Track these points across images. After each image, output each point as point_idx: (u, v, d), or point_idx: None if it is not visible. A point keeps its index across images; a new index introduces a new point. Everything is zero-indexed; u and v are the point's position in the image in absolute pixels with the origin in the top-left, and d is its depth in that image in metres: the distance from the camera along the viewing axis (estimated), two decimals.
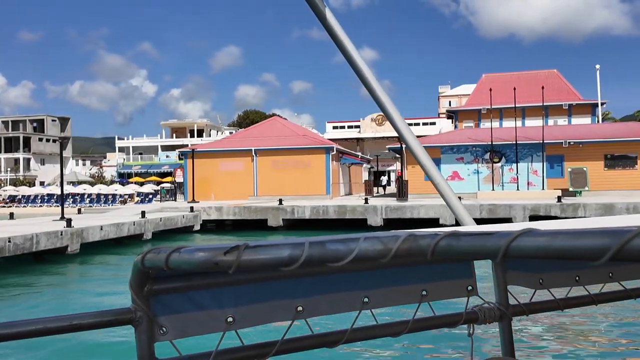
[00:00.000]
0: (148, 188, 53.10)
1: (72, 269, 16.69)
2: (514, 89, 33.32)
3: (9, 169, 74.81)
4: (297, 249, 0.77)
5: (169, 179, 59.74)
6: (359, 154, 49.61)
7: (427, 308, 1.42)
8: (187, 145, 43.05)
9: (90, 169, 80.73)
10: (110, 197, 50.63)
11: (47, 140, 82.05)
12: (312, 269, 1.22)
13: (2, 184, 63.97)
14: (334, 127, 77.53)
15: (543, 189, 30.39)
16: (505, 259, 0.62)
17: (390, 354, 7.48)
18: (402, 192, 30.09)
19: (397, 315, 1.51)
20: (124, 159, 75.33)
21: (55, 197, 49.86)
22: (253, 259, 0.79)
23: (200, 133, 78.43)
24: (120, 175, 72.46)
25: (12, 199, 51.65)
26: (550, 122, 40.95)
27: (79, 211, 26.86)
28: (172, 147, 72.30)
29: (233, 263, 0.79)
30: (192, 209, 25.45)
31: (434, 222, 24.43)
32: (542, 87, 33.18)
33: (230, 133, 65.79)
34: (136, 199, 49.01)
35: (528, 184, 31.29)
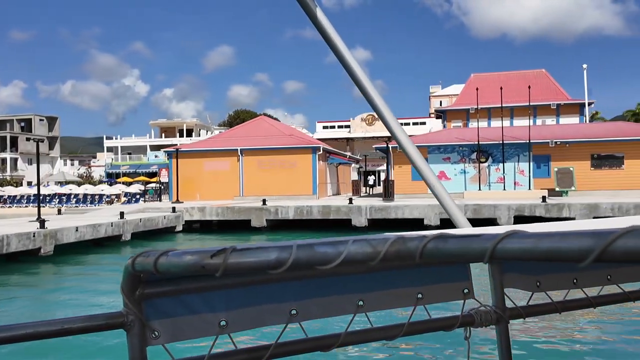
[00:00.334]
0: (135, 188, 52.67)
1: (45, 271, 16.32)
2: (501, 88, 33.17)
3: None
4: (284, 252, 0.76)
5: (154, 179, 59.30)
6: (348, 153, 49.38)
7: (422, 311, 1.40)
8: (175, 145, 42.59)
9: (79, 169, 80.00)
10: (96, 197, 50.15)
11: (34, 140, 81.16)
12: (300, 272, 1.20)
13: None
14: (324, 127, 77.28)
15: (530, 189, 30.26)
16: (492, 260, 0.63)
17: (385, 358, 7.39)
18: (388, 192, 29.85)
19: (392, 318, 1.47)
20: (112, 159, 74.71)
21: (41, 197, 49.33)
22: (240, 262, 0.78)
23: (189, 133, 77.95)
24: (109, 175, 71.88)
25: None
26: (539, 121, 40.87)
27: (59, 212, 26.42)
28: (161, 147, 71.71)
29: (220, 266, 0.78)
30: (174, 209, 25.09)
31: (418, 223, 24.21)
32: (529, 87, 33.04)
33: (221, 133, 65.31)
34: (123, 199, 48.59)
35: (515, 183, 31.14)
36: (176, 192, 32.59)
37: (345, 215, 24.92)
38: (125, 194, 50.71)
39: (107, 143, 78.98)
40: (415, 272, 1.37)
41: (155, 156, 70.29)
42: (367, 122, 71.18)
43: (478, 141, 31.11)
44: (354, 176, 50.43)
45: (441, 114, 47.19)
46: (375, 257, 0.74)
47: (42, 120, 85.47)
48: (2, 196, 51.04)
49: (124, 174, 68.34)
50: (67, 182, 61.65)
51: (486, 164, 31.97)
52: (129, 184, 59.49)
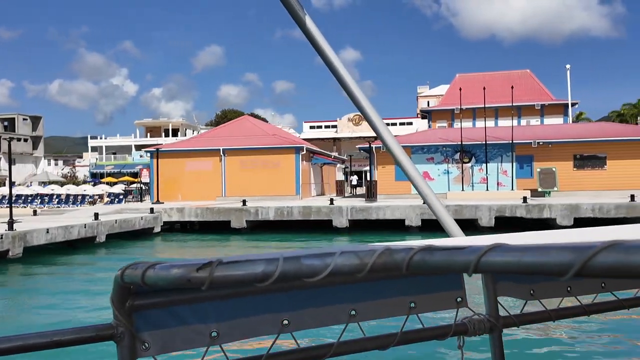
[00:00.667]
0: (118, 188, 52.02)
1: (12, 273, 15.91)
2: (484, 88, 33.07)
3: None
4: (271, 265, 0.77)
5: (138, 179, 58.68)
6: (332, 154, 49.12)
7: (416, 320, 1.39)
8: (159, 145, 42.08)
9: (63, 169, 79.07)
10: (79, 197, 49.50)
11: (18, 140, 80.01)
12: (291, 283, 1.09)
13: None
14: (311, 127, 77.00)
15: (512, 189, 30.17)
16: (476, 273, 0.65)
17: None
18: (371, 193, 29.63)
19: (385, 328, 1.43)
20: (97, 159, 73.90)
21: (23, 197, 48.59)
22: (226, 275, 0.78)
23: (175, 133, 77.30)
24: (93, 175, 71.10)
25: None
26: (523, 122, 40.87)
27: (35, 213, 25.89)
28: (146, 147, 71.10)
29: (206, 279, 0.79)
30: (152, 210, 24.67)
31: (399, 223, 24.00)
32: (512, 87, 32.95)
33: (202, 132, 64.74)
34: (106, 199, 47.98)
35: (498, 184, 31.04)
36: (156, 192, 32.12)
37: (326, 216, 24.65)
38: (109, 195, 50.12)
39: (91, 143, 78.09)
40: (408, 281, 1.37)
41: (140, 156, 69.60)
42: (353, 122, 70.99)
43: (461, 141, 30.98)
44: (340, 176, 50.21)
45: (426, 114, 47.11)
46: (362, 269, 0.74)
47: (26, 119, 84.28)
48: None
49: (109, 174, 67.63)
50: (51, 182, 60.85)
51: (469, 165, 31.85)
52: (113, 184, 58.86)
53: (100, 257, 19.55)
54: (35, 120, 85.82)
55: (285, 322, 1.22)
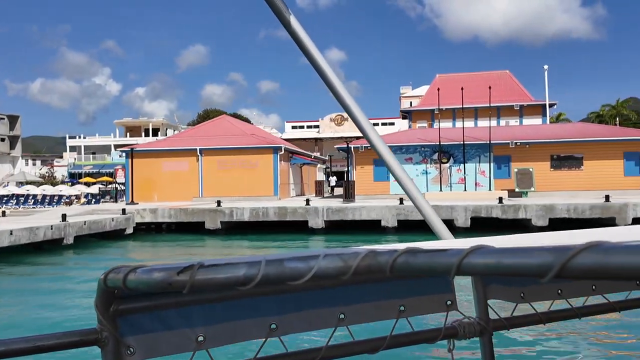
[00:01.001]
0: (96, 189, 51.21)
1: None
2: (462, 89, 33.04)
3: None
4: (253, 268, 0.76)
5: (103, 178, 57.94)
6: (312, 154, 48.83)
7: (405, 324, 1.38)
8: (135, 145, 41.40)
9: (41, 169, 77.76)
10: (55, 198, 48.67)
11: None
12: (277, 286, 1.17)
13: None
14: (293, 127, 76.68)
15: (490, 189, 30.14)
16: (458, 275, 0.65)
17: None
18: (348, 193, 29.41)
19: (374, 331, 1.40)
20: (75, 159, 72.79)
21: None
22: (207, 278, 0.78)
23: (155, 132, 76.43)
24: (71, 175, 70.03)
25: None
26: (502, 122, 40.97)
27: (3, 214, 25.23)
28: (125, 147, 70.24)
29: (187, 283, 0.78)
30: (124, 211, 24.16)
31: (375, 224, 23.81)
32: (490, 88, 32.94)
33: (179, 132, 64.08)
34: (83, 200, 47.21)
35: (476, 184, 31.01)
36: (132, 193, 31.57)
37: (302, 217, 24.36)
38: (86, 195, 49.32)
39: (70, 142, 76.88)
40: (397, 284, 1.36)
41: (120, 156, 68.70)
42: (335, 122, 70.82)
43: (439, 142, 30.88)
44: (321, 177, 49.95)
45: (407, 115, 47.05)
46: (346, 271, 0.74)
47: (3, 119, 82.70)
48: None
49: (87, 174, 66.65)
50: (28, 183, 59.81)
51: (448, 165, 31.78)
52: (91, 184, 57.99)
53: (69, 258, 19.08)
54: (12, 120, 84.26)
55: (273, 326, 1.20)
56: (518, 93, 42.82)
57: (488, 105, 34.60)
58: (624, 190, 28.92)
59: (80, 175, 67.93)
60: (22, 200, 47.95)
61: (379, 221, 23.81)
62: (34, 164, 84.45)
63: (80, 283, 14.73)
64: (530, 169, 30.15)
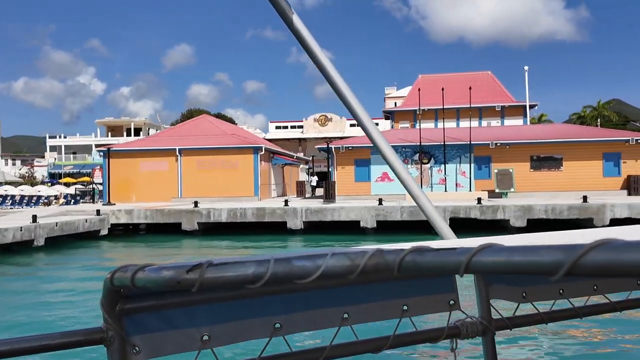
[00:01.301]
0: (74, 189, 50.51)
1: None
2: (442, 89, 32.98)
3: None
4: (261, 267, 0.77)
5: (84, 179, 57.20)
6: (295, 154, 48.54)
7: (408, 323, 1.39)
8: (112, 145, 40.75)
9: (20, 169, 76.61)
10: (34, 198, 47.91)
11: None
12: (283, 286, 1.18)
13: None
14: (277, 127, 76.33)
15: (471, 190, 30.10)
16: (467, 273, 0.65)
17: None
18: (329, 194, 29.18)
19: (378, 331, 1.40)
20: (55, 159, 71.75)
21: None
22: (216, 276, 0.79)
23: (138, 132, 75.61)
24: (52, 175, 69.06)
25: None
26: (484, 123, 41.03)
27: None
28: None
29: (196, 281, 0.79)
30: (98, 212, 23.69)
31: (354, 225, 23.62)
32: (470, 88, 32.90)
33: (159, 132, 63.47)
34: (62, 200, 46.50)
35: (456, 185, 30.95)
36: (109, 193, 31.05)
37: (280, 218, 24.09)
38: (65, 196, 48.59)
39: (50, 142, 75.76)
40: (401, 284, 1.37)
41: (100, 156, 67.89)
42: (319, 122, 70.63)
43: (420, 142, 30.79)
44: (303, 177, 49.68)
45: (389, 115, 46.98)
46: (354, 270, 0.74)
47: None
48: None
49: (67, 175, 65.75)
50: (7, 183, 58.87)
51: (429, 165, 31.70)
52: (71, 184, 57.20)
53: (37, 259, 18.61)
54: None
55: (278, 325, 1.21)
56: (499, 94, 42.93)
57: (474, 106, 34.58)
58: (604, 191, 29.04)
59: (60, 176, 67.02)
60: None
61: (358, 222, 23.62)
62: (14, 164, 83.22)
63: (50, 283, 14.66)
64: (510, 170, 30.17)
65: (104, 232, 23.52)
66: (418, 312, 1.39)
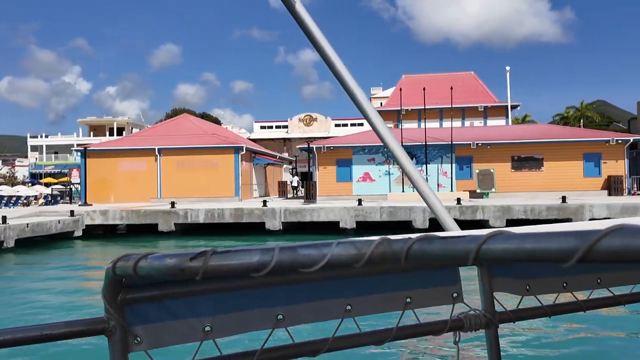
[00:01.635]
0: (51, 189, 49.76)
1: None
2: (424, 89, 32.86)
3: None
4: (266, 255, 0.77)
5: (65, 179, 56.42)
6: (278, 154, 48.20)
7: (412, 315, 1.41)
8: (89, 145, 40.14)
9: (1, 169, 75.44)
10: (13, 198, 47.11)
11: None
12: (286, 276, 1.17)
13: None
14: (262, 127, 75.92)
15: (452, 190, 30.00)
16: (477, 261, 0.63)
17: None
18: (309, 194, 28.92)
19: (381, 323, 1.43)
20: (37, 159, 70.74)
21: None
22: (220, 264, 0.78)
23: (120, 132, 74.77)
24: (33, 175, 68.07)
25: None
26: (467, 123, 41.03)
27: None
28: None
29: (200, 269, 0.79)
30: (72, 212, 23.20)
31: (334, 226, 23.38)
32: (451, 88, 32.82)
33: (138, 131, 62.77)
34: (41, 200, 45.77)
35: (438, 185, 30.82)
36: (85, 194, 30.50)
37: (259, 219, 23.78)
38: (45, 196, 47.85)
39: (31, 142, 74.65)
40: (404, 276, 1.36)
41: (78, 156, 67.05)
42: (304, 122, 70.35)
43: (401, 142, 30.59)
44: (286, 177, 49.34)
45: None
46: (360, 259, 0.73)
47: None
48: None
49: (48, 175, 64.83)
50: None
51: None
52: (52, 184, 56.36)
53: (6, 260, 18.16)
54: None
55: (280, 316, 1.20)
56: (482, 94, 42.95)
57: (457, 106, 34.50)
58: (584, 191, 29.10)
59: (41, 176, 66.09)
60: None
61: (337, 222, 23.39)
62: None
63: (19, 283, 14.47)
64: (492, 170, 30.11)
65: (78, 233, 23.05)
66: (421, 305, 1.38)
